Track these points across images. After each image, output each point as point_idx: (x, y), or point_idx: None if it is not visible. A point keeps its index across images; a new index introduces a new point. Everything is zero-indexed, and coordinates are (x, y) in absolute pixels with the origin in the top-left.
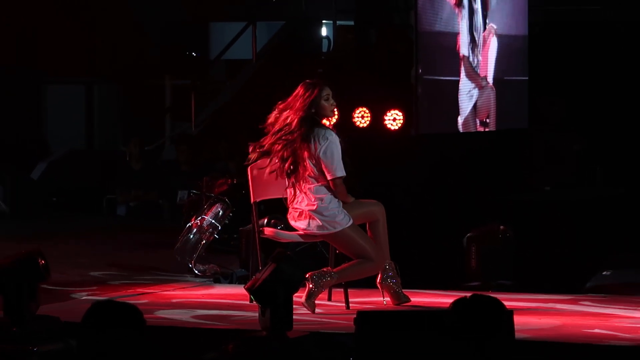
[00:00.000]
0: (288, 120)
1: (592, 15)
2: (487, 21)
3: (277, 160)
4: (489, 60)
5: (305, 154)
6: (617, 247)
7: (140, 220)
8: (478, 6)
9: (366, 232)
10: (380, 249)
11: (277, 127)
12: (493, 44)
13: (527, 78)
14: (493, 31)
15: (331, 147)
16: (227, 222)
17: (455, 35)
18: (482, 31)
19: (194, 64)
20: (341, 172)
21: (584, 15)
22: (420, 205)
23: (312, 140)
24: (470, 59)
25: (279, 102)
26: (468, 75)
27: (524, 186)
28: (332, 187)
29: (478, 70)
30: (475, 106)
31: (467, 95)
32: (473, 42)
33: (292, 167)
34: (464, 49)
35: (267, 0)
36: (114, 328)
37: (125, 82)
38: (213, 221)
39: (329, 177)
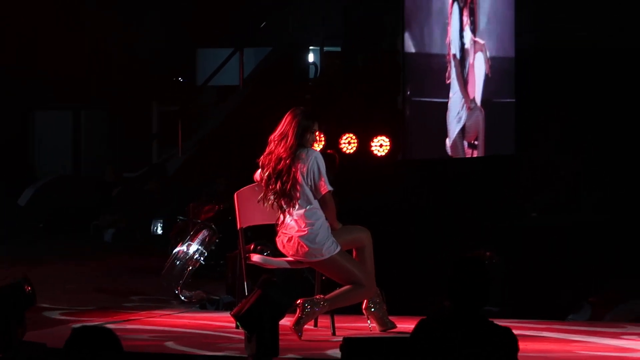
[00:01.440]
0: (276, 157)
1: (580, 41)
2: (475, 39)
3: (266, 189)
4: (476, 80)
5: (296, 178)
6: (604, 273)
7: (118, 245)
8: (467, 24)
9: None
10: (369, 274)
11: (269, 165)
12: (480, 62)
13: (514, 100)
14: (481, 48)
15: (316, 163)
16: (213, 248)
17: (443, 57)
18: (471, 47)
19: (181, 90)
20: (329, 186)
21: (572, 41)
22: (407, 231)
23: (298, 162)
24: (460, 69)
25: (272, 135)
26: (457, 79)
27: (511, 212)
28: (323, 204)
29: (467, 87)
30: (463, 128)
31: (456, 117)
32: (462, 50)
33: (283, 192)
34: (454, 48)
35: (254, 27)
36: (94, 354)
37: (112, 108)
38: (199, 247)
39: (321, 192)
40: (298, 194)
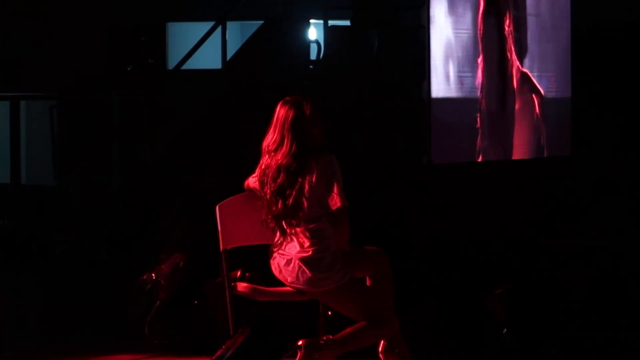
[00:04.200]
0: (275, 169)
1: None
2: (523, 69)
3: (267, 211)
4: (526, 137)
5: (303, 189)
6: None
7: (75, 266)
8: (511, 46)
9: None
10: (387, 308)
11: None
12: (529, 109)
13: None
14: (531, 85)
15: (332, 171)
16: (189, 274)
17: (474, 103)
18: (519, 83)
19: (148, 76)
20: (344, 200)
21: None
22: (433, 252)
23: (305, 169)
24: (497, 120)
25: (265, 141)
26: (490, 138)
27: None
28: (334, 220)
29: (505, 150)
30: None
31: None
32: (503, 92)
33: (285, 210)
34: (490, 88)
35: None
36: None
37: (62, 98)
38: (171, 274)
39: (334, 207)
40: (304, 208)
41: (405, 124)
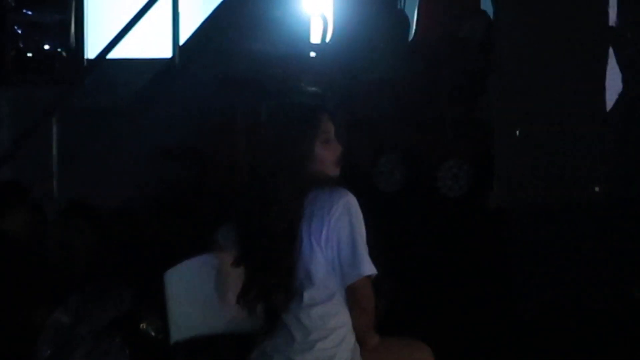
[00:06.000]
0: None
1: None
2: None
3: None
4: None
5: (303, 251)
6: None
7: None
8: None
9: None
10: None
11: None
12: None
13: None
14: None
15: (350, 220)
16: None
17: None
18: None
19: (57, 67)
20: (370, 267)
21: None
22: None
23: (309, 219)
24: None
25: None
26: None
27: None
28: (353, 297)
29: None
30: None
31: None
32: None
33: (274, 285)
34: None
35: None
36: None
37: None
38: None
39: (353, 278)
40: (304, 280)
41: (465, 145)
